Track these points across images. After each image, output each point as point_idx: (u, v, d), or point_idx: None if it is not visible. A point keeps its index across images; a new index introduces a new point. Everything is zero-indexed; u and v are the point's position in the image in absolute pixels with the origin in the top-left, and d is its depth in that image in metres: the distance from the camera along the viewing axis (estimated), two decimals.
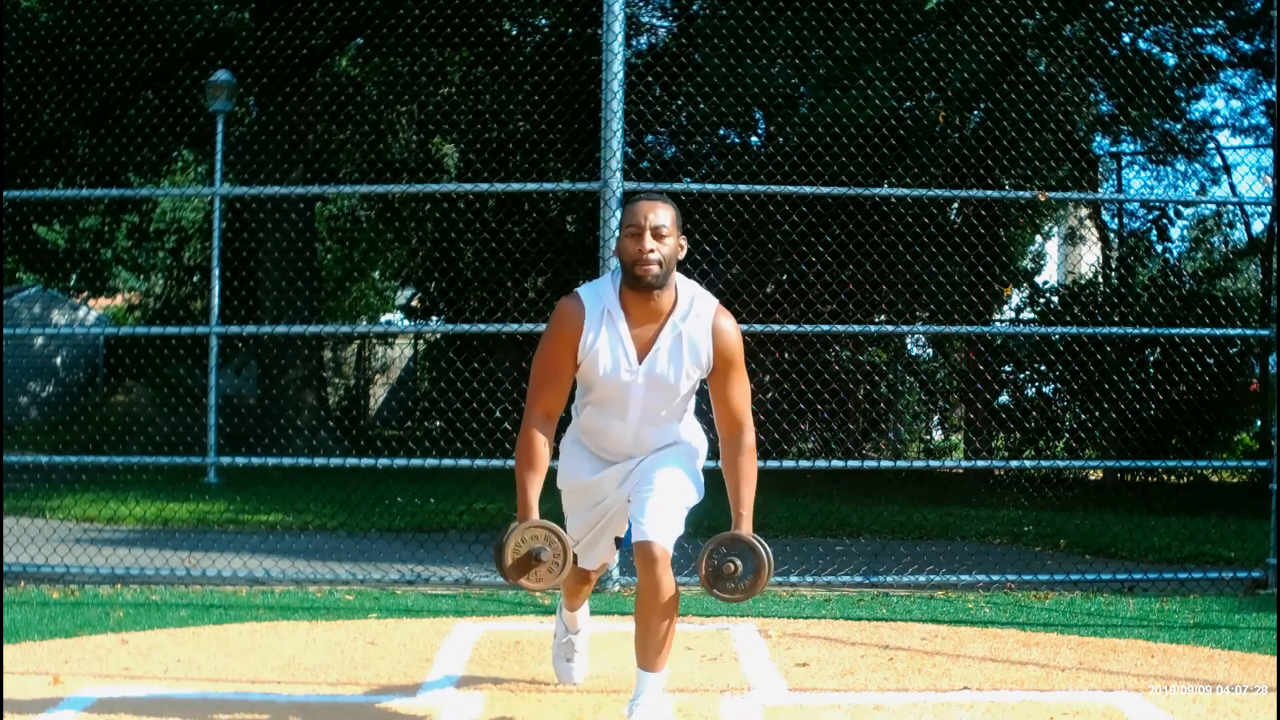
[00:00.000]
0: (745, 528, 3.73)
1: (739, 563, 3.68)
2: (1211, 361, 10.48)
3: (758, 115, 14.20)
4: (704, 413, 4.02)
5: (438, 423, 18.48)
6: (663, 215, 3.66)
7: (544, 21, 17.10)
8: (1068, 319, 13.60)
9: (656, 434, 3.85)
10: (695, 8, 14.80)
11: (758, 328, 7.47)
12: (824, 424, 14.56)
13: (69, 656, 4.79)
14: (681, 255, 3.74)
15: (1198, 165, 14.35)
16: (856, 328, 11.33)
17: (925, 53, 10.74)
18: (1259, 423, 13.75)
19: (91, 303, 24.98)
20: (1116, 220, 14.94)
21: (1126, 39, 12.32)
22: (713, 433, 3.97)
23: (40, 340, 22.37)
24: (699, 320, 3.72)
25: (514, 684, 4.42)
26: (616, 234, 6.31)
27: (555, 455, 3.92)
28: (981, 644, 5.18)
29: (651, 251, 3.61)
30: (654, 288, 3.65)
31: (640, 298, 3.67)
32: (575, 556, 3.91)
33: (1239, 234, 15.53)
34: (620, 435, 3.83)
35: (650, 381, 3.73)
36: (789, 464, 7.26)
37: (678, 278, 3.76)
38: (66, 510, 9.73)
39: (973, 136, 11.46)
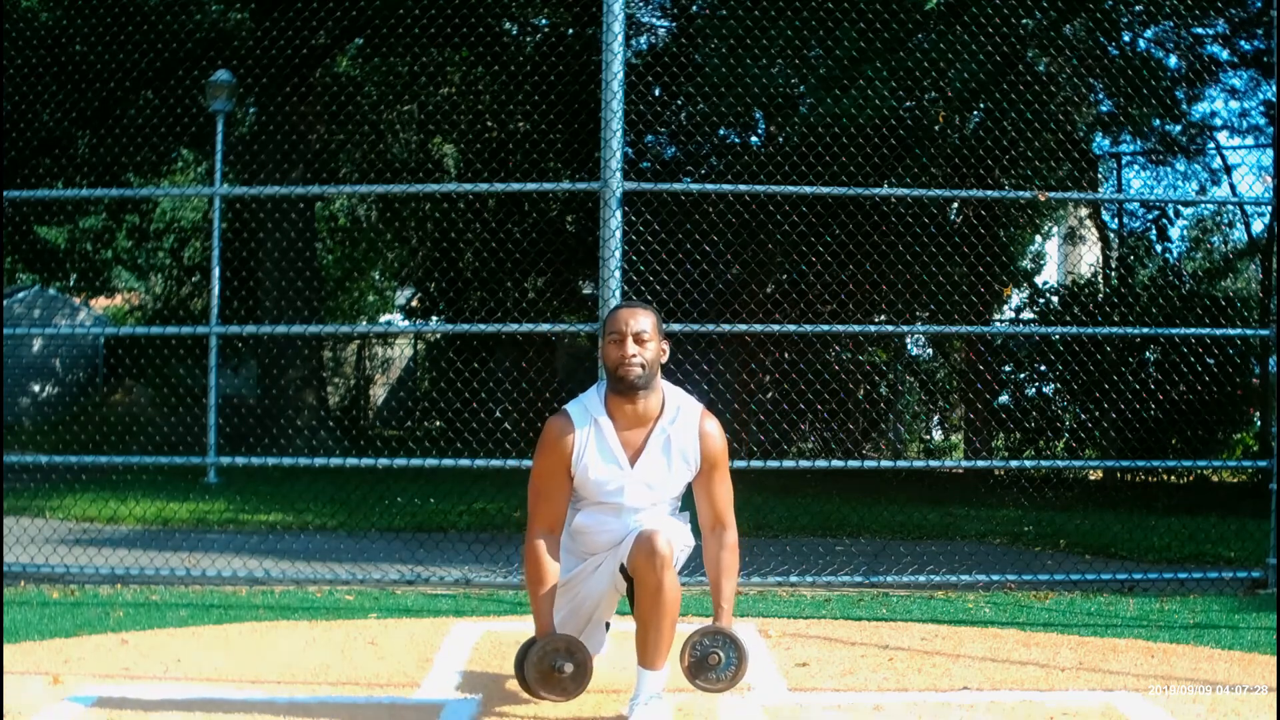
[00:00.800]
0: (725, 621, 3.89)
1: (721, 654, 3.84)
2: (1211, 362, 10.48)
3: (758, 115, 14.20)
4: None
5: (438, 423, 18.49)
6: (643, 321, 3.84)
7: (544, 21, 17.10)
8: (1067, 319, 13.59)
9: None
10: (695, 8, 14.79)
11: (758, 328, 7.48)
12: (824, 424, 14.56)
13: (69, 656, 4.78)
14: (664, 359, 3.90)
15: (1197, 165, 14.36)
16: (856, 328, 11.33)
17: (925, 53, 10.74)
18: (1259, 423, 13.75)
19: (92, 303, 24.99)
20: (1116, 220, 14.94)
21: (1126, 39, 12.32)
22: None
23: (38, 341, 22.37)
24: (686, 424, 3.89)
25: (514, 684, 4.42)
26: (616, 234, 6.32)
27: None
28: (981, 644, 5.18)
29: (634, 356, 3.78)
30: (638, 389, 3.80)
31: (626, 402, 3.84)
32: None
33: (1239, 234, 15.54)
34: (611, 532, 3.93)
35: (643, 484, 3.87)
36: (789, 464, 7.26)
37: (663, 384, 3.93)
38: (66, 510, 9.73)
39: (973, 136, 11.47)
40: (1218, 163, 14.24)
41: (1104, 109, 13.72)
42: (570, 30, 15.24)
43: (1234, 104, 14.74)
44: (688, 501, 4.09)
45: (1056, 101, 11.87)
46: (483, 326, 7.42)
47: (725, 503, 3.98)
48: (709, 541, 3.98)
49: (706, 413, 3.94)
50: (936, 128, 11.78)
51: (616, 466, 3.84)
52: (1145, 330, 8.99)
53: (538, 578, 3.83)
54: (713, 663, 3.82)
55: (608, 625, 4.14)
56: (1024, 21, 10.45)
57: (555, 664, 3.74)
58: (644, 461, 3.86)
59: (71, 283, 22.25)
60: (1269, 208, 9.11)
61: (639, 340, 3.80)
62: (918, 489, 12.93)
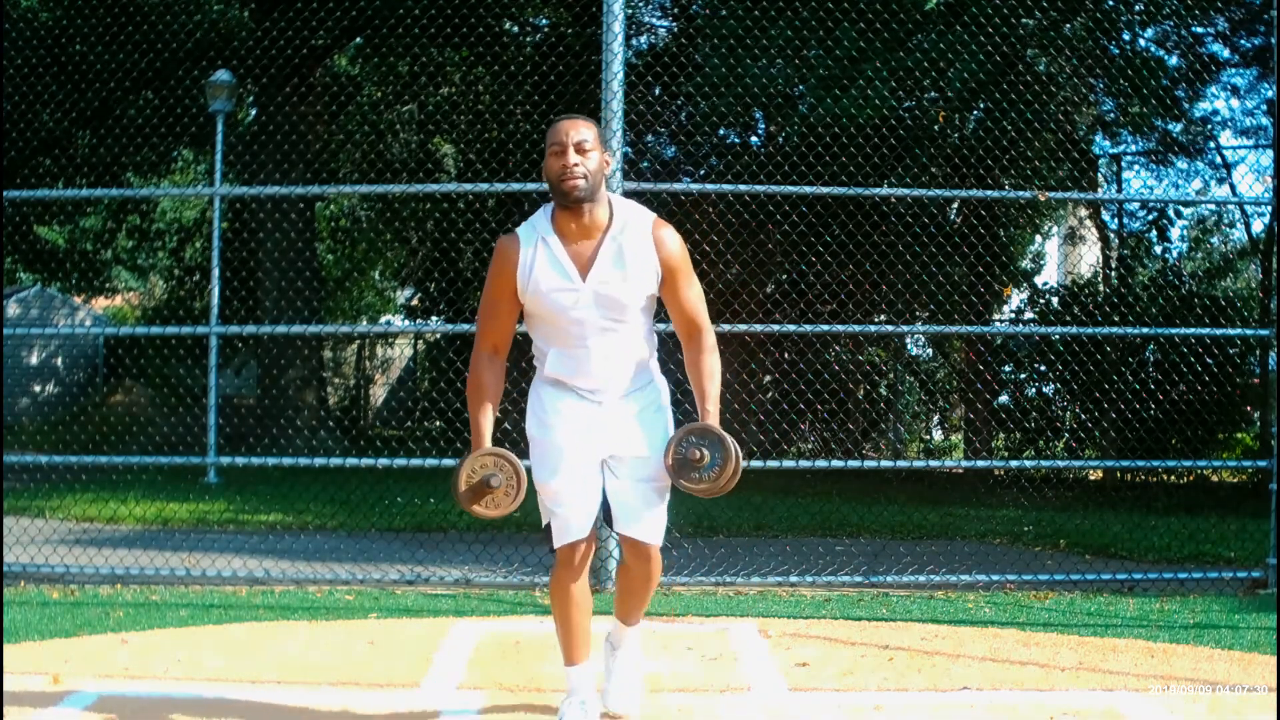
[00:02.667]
0: (713, 420, 3.74)
1: (706, 451, 3.65)
2: (1211, 362, 10.48)
3: (757, 115, 14.20)
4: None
5: (438, 423, 18.49)
6: (584, 131, 3.70)
7: (544, 21, 17.10)
8: (1067, 319, 13.60)
9: (623, 366, 3.79)
10: (695, 8, 14.80)
11: (758, 328, 7.48)
12: (824, 424, 14.56)
13: (69, 656, 4.78)
14: (608, 171, 3.78)
15: (1199, 164, 14.36)
16: (856, 328, 11.33)
17: (925, 53, 10.74)
18: (1259, 422, 13.76)
19: (92, 303, 25.00)
20: (1116, 220, 14.94)
21: (1126, 38, 12.32)
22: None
23: (37, 341, 22.38)
24: (638, 232, 3.74)
25: (514, 684, 4.42)
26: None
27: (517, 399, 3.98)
28: (981, 644, 5.18)
29: (576, 165, 3.65)
30: (582, 200, 3.67)
31: (572, 215, 3.70)
32: (550, 529, 3.81)
33: (1239, 234, 15.54)
34: (586, 368, 3.77)
35: (599, 298, 3.71)
36: (789, 464, 7.26)
37: (612, 197, 3.79)
38: (66, 510, 9.73)
39: (972, 136, 11.47)
40: (1218, 163, 14.25)
41: (1105, 109, 13.72)
42: (570, 30, 15.23)
43: (1235, 103, 14.76)
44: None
45: (1056, 101, 11.87)
46: None
47: (696, 306, 3.84)
48: (688, 349, 3.87)
49: (659, 220, 3.81)
50: (936, 128, 11.79)
51: (567, 280, 3.70)
52: (1145, 330, 8.98)
53: (477, 392, 3.76)
54: (695, 460, 3.65)
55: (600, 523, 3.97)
56: (1024, 21, 10.46)
57: (486, 477, 3.63)
58: (596, 273, 3.70)
59: (72, 282, 22.26)
60: (1269, 208, 9.11)
61: (580, 150, 3.67)
62: (918, 489, 12.93)
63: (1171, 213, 14.21)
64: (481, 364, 3.79)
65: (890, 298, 13.48)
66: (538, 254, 3.72)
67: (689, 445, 3.67)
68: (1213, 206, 15.61)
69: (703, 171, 14.99)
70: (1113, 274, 14.51)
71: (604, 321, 3.73)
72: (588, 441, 3.77)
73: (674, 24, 16.11)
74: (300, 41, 12.44)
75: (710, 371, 3.82)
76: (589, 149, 3.68)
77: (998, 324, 14.31)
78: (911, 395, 16.24)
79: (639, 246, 3.73)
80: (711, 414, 3.75)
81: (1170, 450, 12.49)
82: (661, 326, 6.75)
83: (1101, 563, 7.68)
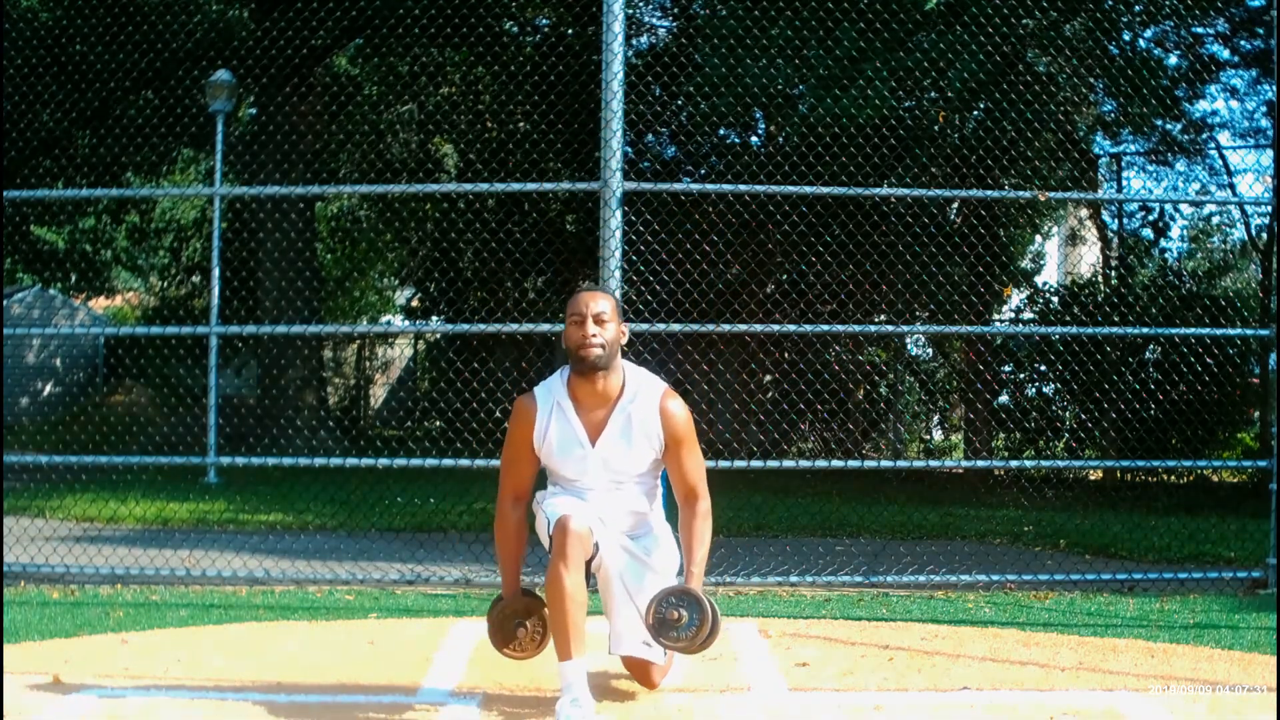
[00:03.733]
0: (695, 584, 3.98)
1: (684, 612, 3.90)
2: (1211, 362, 10.48)
3: (757, 115, 14.20)
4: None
5: (438, 423, 18.49)
6: (603, 304, 4.01)
7: (544, 21, 17.10)
8: (1067, 319, 13.60)
9: (622, 517, 4.11)
10: (695, 8, 14.80)
11: (758, 328, 7.48)
12: (824, 424, 14.56)
13: (69, 656, 4.78)
14: (624, 341, 4.08)
15: (1198, 166, 14.36)
16: (856, 328, 11.34)
17: (925, 53, 10.74)
18: (1259, 423, 13.76)
19: (91, 303, 24.99)
20: (1116, 221, 14.95)
21: (1126, 37, 12.31)
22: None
23: (37, 341, 22.38)
24: (646, 403, 4.04)
25: (514, 684, 4.42)
26: (616, 234, 6.32)
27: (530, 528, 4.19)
28: (981, 644, 5.18)
29: (594, 336, 3.95)
30: (598, 369, 3.97)
31: (587, 382, 4.01)
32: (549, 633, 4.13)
33: (1239, 234, 15.54)
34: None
35: (606, 463, 4.04)
36: (789, 464, 7.25)
37: (626, 365, 4.10)
38: (66, 510, 9.72)
39: (973, 136, 11.46)
40: (1218, 163, 14.25)
41: (1105, 109, 13.72)
42: (570, 30, 15.24)
43: (1234, 104, 14.75)
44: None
45: (1056, 101, 11.87)
46: (483, 326, 7.42)
47: (696, 475, 4.12)
48: (683, 511, 4.13)
49: (669, 391, 4.10)
50: (936, 127, 11.78)
51: (578, 446, 4.03)
52: (1145, 330, 9.00)
53: (504, 541, 4.09)
54: (673, 620, 3.89)
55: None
56: (1024, 22, 10.45)
57: (515, 623, 4.07)
58: (604, 441, 4.03)
59: (72, 282, 22.26)
60: (1269, 208, 9.10)
61: (599, 321, 3.96)
62: (918, 489, 12.93)
63: (1171, 211, 14.21)
64: (505, 512, 4.10)
65: (890, 298, 13.48)
66: (552, 418, 4.05)
67: (669, 606, 3.93)
68: (1213, 207, 15.61)
69: (703, 171, 14.99)
70: (1113, 274, 14.51)
71: (609, 482, 4.07)
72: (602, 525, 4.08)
73: (674, 24, 16.11)
74: (300, 41, 12.43)
75: (700, 536, 4.09)
76: (606, 320, 3.99)
77: (998, 324, 14.31)
78: (911, 395, 16.24)
79: (646, 418, 4.05)
80: (695, 576, 4.02)
81: (1170, 450, 12.49)
82: (678, 326, 6.75)
83: (1101, 563, 7.68)
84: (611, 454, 4.03)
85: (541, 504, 4.13)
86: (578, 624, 3.86)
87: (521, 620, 4.08)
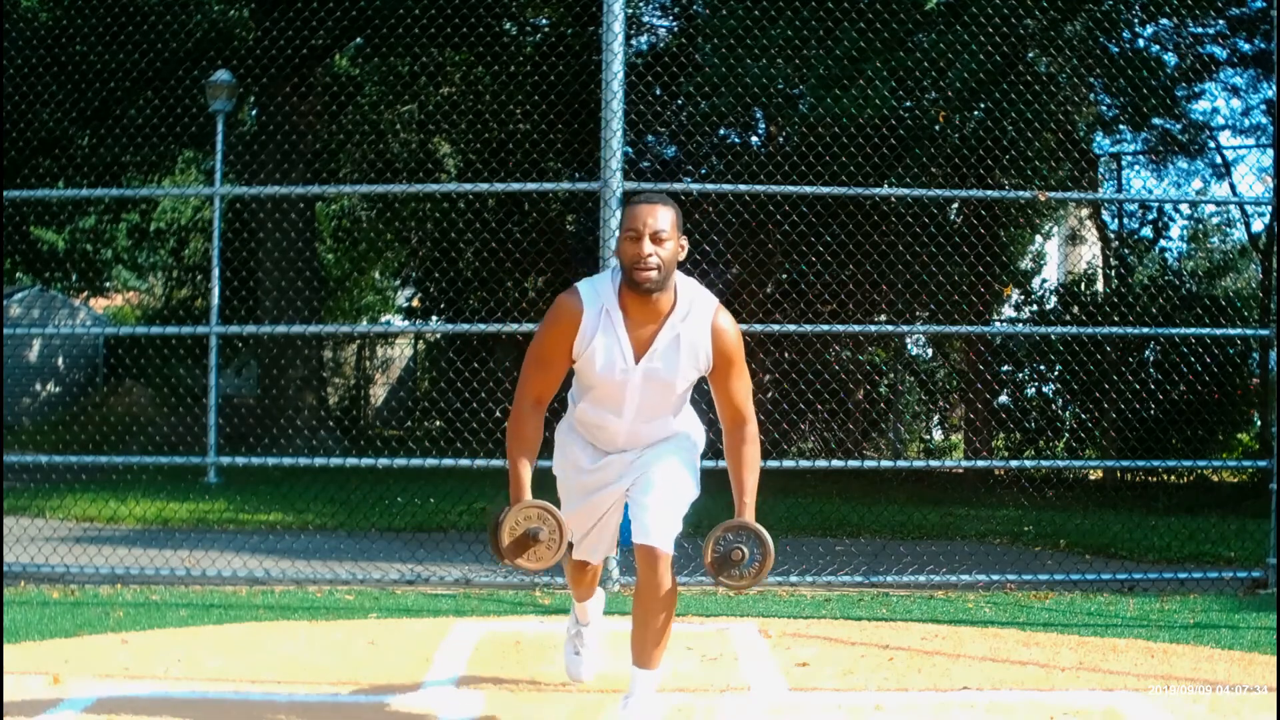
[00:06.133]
0: (749, 515, 3.73)
1: (745, 549, 3.67)
2: (1211, 361, 10.48)
3: (758, 115, 14.20)
4: (702, 410, 4.03)
5: (438, 423, 18.49)
6: (662, 219, 3.64)
7: (544, 21, 17.10)
8: (1067, 319, 13.60)
9: (652, 429, 3.85)
10: (695, 8, 14.80)
11: (758, 327, 7.48)
12: (824, 424, 14.57)
13: (69, 656, 4.78)
14: (682, 256, 3.74)
15: (1199, 164, 14.36)
16: (856, 328, 11.33)
17: (925, 52, 10.74)
18: (1259, 423, 13.76)
19: (91, 303, 24.99)
20: (1116, 220, 14.94)
21: (1126, 36, 12.32)
22: (712, 428, 3.98)
23: (37, 341, 22.38)
24: (698, 321, 3.72)
25: (514, 684, 4.42)
26: (617, 233, 6.31)
27: (549, 444, 3.96)
28: (981, 644, 5.18)
29: (650, 256, 3.60)
30: (652, 291, 3.64)
31: (639, 299, 3.67)
32: (572, 545, 3.97)
33: (1239, 234, 15.53)
34: (615, 430, 3.84)
35: (646, 380, 3.74)
36: (789, 464, 7.25)
37: (678, 277, 3.75)
38: (66, 510, 9.73)
39: (973, 136, 11.46)
40: (1218, 162, 14.25)
41: (1105, 107, 13.73)
42: (570, 30, 15.23)
43: (1235, 103, 14.75)
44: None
45: (1056, 101, 11.87)
46: (483, 326, 7.40)
47: (744, 397, 3.82)
48: (730, 436, 3.84)
49: (721, 309, 3.78)
50: (936, 127, 11.78)
51: (621, 360, 3.70)
52: (1145, 330, 9.00)
53: (519, 443, 3.73)
54: (736, 559, 3.67)
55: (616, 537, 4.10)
56: (1024, 21, 10.45)
57: (530, 530, 3.65)
58: (649, 358, 3.71)
59: (73, 281, 22.25)
60: (1269, 208, 9.11)
61: (656, 239, 3.61)
62: (918, 489, 12.93)
63: (1171, 211, 14.21)
64: (523, 414, 3.75)
65: (890, 298, 13.48)
66: (600, 325, 3.70)
67: (728, 543, 3.69)
68: (1213, 206, 15.60)
69: (703, 171, 14.99)
70: (1112, 274, 14.51)
71: (645, 393, 3.76)
72: (612, 487, 3.87)
73: (674, 24, 16.12)
74: (300, 41, 12.44)
75: (750, 462, 3.81)
76: (665, 238, 3.63)
77: (997, 324, 14.31)
78: (911, 395, 16.24)
79: (697, 336, 3.72)
80: (748, 507, 3.76)
81: (1170, 450, 12.49)
82: None
83: (1101, 563, 7.68)
84: (655, 371, 3.71)
85: (563, 440, 3.92)
86: (592, 587, 4.09)
87: (538, 526, 3.65)
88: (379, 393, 23.67)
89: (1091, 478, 13.50)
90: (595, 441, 3.91)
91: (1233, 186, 13.80)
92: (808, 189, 7.14)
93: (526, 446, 3.73)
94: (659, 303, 3.69)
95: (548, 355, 3.74)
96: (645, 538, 3.68)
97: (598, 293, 3.73)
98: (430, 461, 6.76)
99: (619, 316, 3.70)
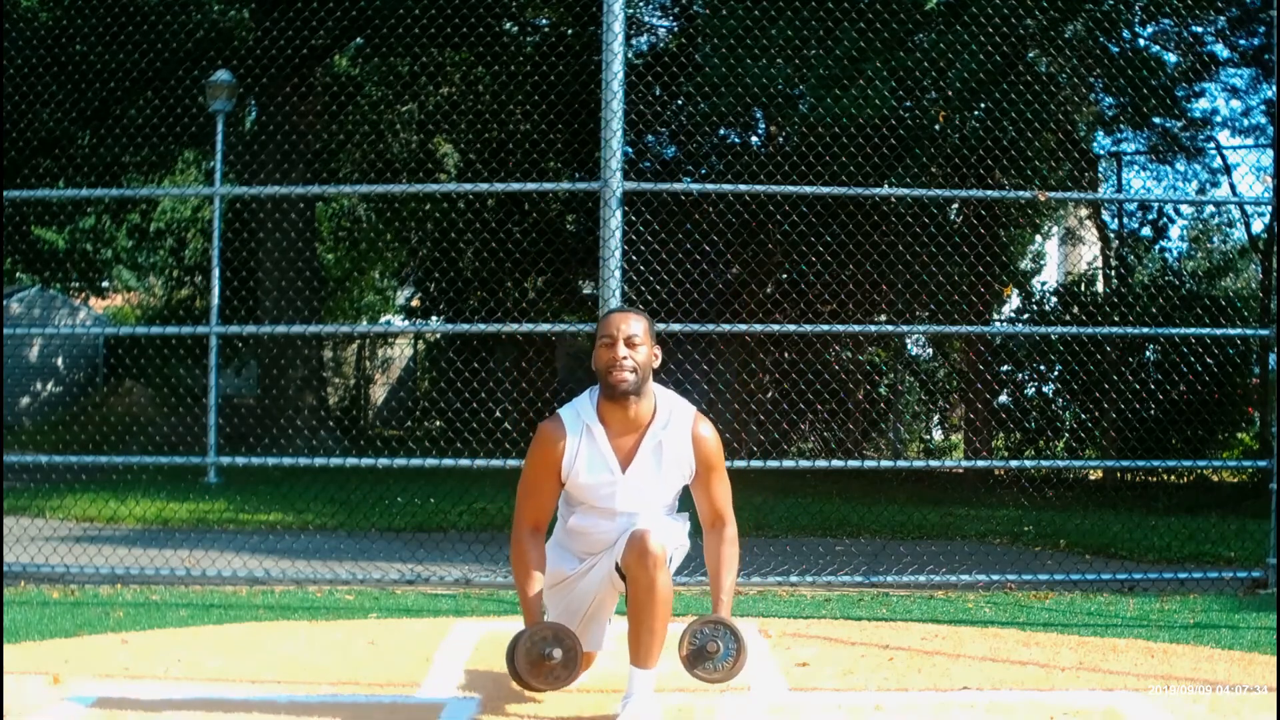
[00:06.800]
0: (725, 612, 3.87)
1: (721, 644, 3.80)
2: (1211, 361, 10.48)
3: (757, 115, 14.21)
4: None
5: (438, 423, 18.49)
6: (635, 325, 3.81)
7: (544, 21, 17.10)
8: (1067, 319, 13.60)
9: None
10: (695, 8, 14.80)
11: (758, 328, 7.48)
12: (824, 424, 14.57)
13: (69, 656, 4.78)
14: (656, 364, 3.88)
15: (1197, 165, 14.36)
16: (856, 328, 11.32)
17: (925, 52, 10.74)
18: (1259, 423, 13.76)
19: (92, 303, 24.99)
20: (1116, 220, 14.95)
21: (1126, 36, 12.32)
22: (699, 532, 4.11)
23: (38, 341, 22.38)
24: (678, 429, 3.88)
25: (514, 684, 4.41)
26: (616, 234, 6.31)
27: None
28: (981, 644, 5.18)
29: (625, 359, 3.75)
30: (629, 394, 3.78)
31: (618, 408, 3.82)
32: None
33: (1239, 234, 15.54)
34: (609, 529, 3.94)
35: (635, 489, 3.87)
36: (789, 464, 7.25)
37: (656, 388, 3.91)
38: (66, 510, 9.73)
39: (973, 136, 11.47)
40: (1218, 163, 14.25)
41: (1105, 105, 13.72)
42: (570, 30, 15.23)
43: (1235, 103, 14.75)
44: (686, 503, 4.09)
45: (1056, 101, 11.87)
46: (483, 326, 7.41)
47: (723, 501, 3.99)
48: (709, 536, 3.99)
49: (700, 416, 3.93)
50: (936, 127, 11.79)
51: (608, 472, 3.85)
52: (1145, 330, 8.98)
53: (524, 568, 3.86)
54: (711, 651, 3.79)
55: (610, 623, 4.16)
56: (1024, 21, 10.45)
57: (544, 651, 3.74)
58: (635, 467, 3.85)
59: (73, 281, 22.24)
60: (1269, 208, 9.11)
61: (630, 344, 3.77)
62: (918, 489, 12.93)
63: (1171, 212, 14.20)
64: (523, 541, 3.89)
65: (890, 298, 13.49)
66: (582, 444, 3.85)
67: (704, 636, 3.81)
68: (1213, 206, 15.60)
69: (703, 171, 14.99)
70: (1112, 274, 14.51)
71: (634, 505, 3.89)
72: (602, 563, 3.95)
73: (674, 24, 16.12)
74: (300, 41, 12.44)
75: (728, 562, 3.95)
76: (639, 343, 3.78)
77: (997, 324, 14.31)
78: (911, 395, 16.25)
79: (678, 445, 3.87)
80: (725, 605, 3.90)
81: (1170, 450, 12.50)
82: (678, 326, 6.75)
83: (1101, 563, 7.68)
84: (641, 482, 3.86)
85: (559, 552, 4.01)
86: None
87: (554, 646, 3.75)
88: (379, 393, 23.68)
89: (1091, 478, 13.50)
90: (589, 550, 4.00)
91: (1233, 186, 13.80)
92: (808, 189, 7.14)
93: (531, 569, 3.88)
94: (639, 411, 3.84)
95: (538, 483, 3.91)
96: (640, 538, 3.73)
97: (578, 414, 3.90)
98: (430, 461, 6.76)
99: (600, 430, 3.86)
